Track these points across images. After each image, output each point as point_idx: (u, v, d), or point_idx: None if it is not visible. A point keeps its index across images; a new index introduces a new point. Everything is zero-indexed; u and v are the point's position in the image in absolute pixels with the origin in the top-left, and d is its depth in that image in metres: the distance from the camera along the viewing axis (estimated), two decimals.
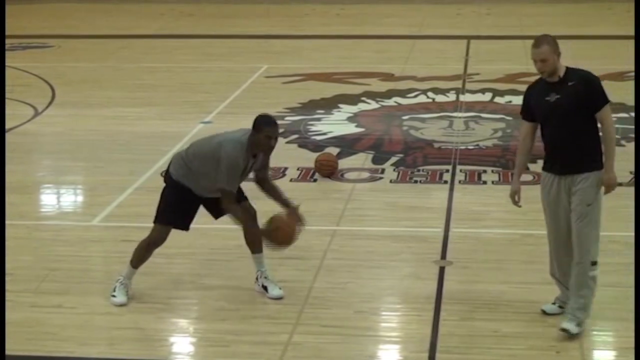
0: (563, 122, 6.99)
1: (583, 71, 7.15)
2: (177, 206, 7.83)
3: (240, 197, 7.82)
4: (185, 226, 7.93)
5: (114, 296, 7.86)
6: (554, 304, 7.44)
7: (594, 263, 7.07)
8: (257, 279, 8.00)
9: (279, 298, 7.86)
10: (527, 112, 7.28)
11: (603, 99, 7.04)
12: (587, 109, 6.98)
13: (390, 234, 9.39)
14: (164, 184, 7.97)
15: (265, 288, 7.93)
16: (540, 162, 11.46)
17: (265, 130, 7.50)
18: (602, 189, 7.07)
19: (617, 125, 13.07)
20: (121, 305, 7.79)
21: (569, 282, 7.16)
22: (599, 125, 7.05)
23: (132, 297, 7.91)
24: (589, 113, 6.99)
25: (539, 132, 7.27)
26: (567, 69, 7.08)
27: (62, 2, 27.68)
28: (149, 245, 7.92)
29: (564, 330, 7.04)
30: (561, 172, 7.07)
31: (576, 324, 7.07)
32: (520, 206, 7.38)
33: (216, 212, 7.94)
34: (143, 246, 7.94)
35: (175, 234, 8.84)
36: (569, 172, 7.04)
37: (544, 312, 7.40)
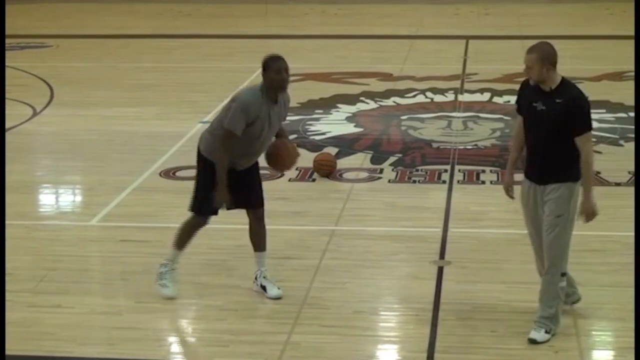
0: (543, 133, 6.90)
1: (576, 91, 6.94)
2: (211, 193, 7.65)
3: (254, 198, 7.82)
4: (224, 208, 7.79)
5: (164, 285, 7.81)
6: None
7: (563, 274, 7.04)
8: (256, 278, 7.99)
9: (278, 298, 7.85)
10: (520, 107, 7.19)
11: (585, 126, 6.87)
12: (567, 130, 6.85)
13: (389, 234, 9.39)
14: (197, 166, 7.84)
15: (264, 288, 7.92)
16: None
17: (273, 66, 7.47)
18: (574, 200, 6.98)
19: (615, 125, 13.20)
20: (170, 298, 7.76)
21: (539, 290, 7.13)
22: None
23: (130, 296, 7.93)
24: (569, 133, 6.87)
25: None
26: (562, 82, 6.87)
27: (60, 2, 27.68)
28: (193, 227, 7.88)
29: (530, 340, 6.98)
30: (537, 181, 7.03)
31: (545, 331, 7.03)
32: (513, 198, 7.35)
33: (249, 196, 7.80)
34: (187, 229, 7.89)
35: (173, 234, 8.83)
36: (542, 182, 6.99)
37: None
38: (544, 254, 7.05)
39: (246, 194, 7.78)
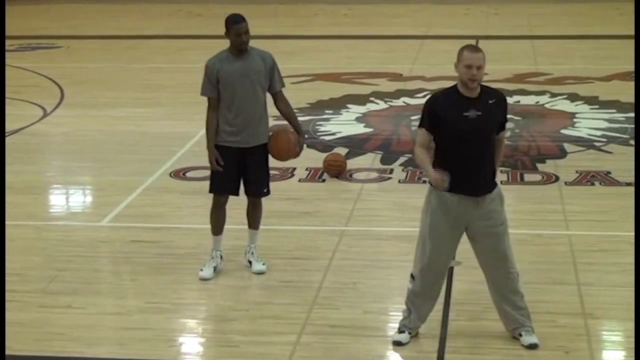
0: (481, 141, 6.69)
1: (496, 90, 6.95)
2: (219, 173, 8.12)
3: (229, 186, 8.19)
4: (231, 190, 8.22)
5: (201, 270, 8.27)
6: (402, 332, 7.12)
7: (517, 274, 7.02)
8: (245, 253, 8.39)
9: (261, 273, 8.23)
10: (434, 125, 6.70)
11: (506, 118, 6.95)
12: (497, 129, 6.83)
13: (399, 234, 9.38)
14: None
15: (250, 263, 8.32)
16: (549, 162, 11.60)
17: (233, 29, 8.02)
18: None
19: (626, 125, 13.17)
20: (203, 279, 8.19)
21: (499, 302, 7.05)
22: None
23: (140, 297, 7.95)
24: (496, 133, 6.85)
25: None
26: (481, 85, 6.75)
27: (70, 2, 27.74)
28: (212, 208, 8.33)
29: (532, 346, 6.93)
30: (471, 192, 6.74)
31: (533, 332, 7.02)
32: (447, 183, 6.77)
33: (248, 185, 8.22)
34: (210, 214, 8.35)
35: (183, 235, 8.85)
36: (479, 192, 6.75)
37: (400, 344, 7.08)
38: (500, 264, 6.93)
39: (247, 182, 8.21)
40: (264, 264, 8.32)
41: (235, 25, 8.00)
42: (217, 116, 8.07)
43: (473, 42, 6.85)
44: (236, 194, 8.28)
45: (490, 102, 6.74)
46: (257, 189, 8.26)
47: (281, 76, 8.24)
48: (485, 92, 6.77)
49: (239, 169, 8.13)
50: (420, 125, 6.81)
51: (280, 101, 8.21)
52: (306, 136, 12.80)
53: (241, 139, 8.05)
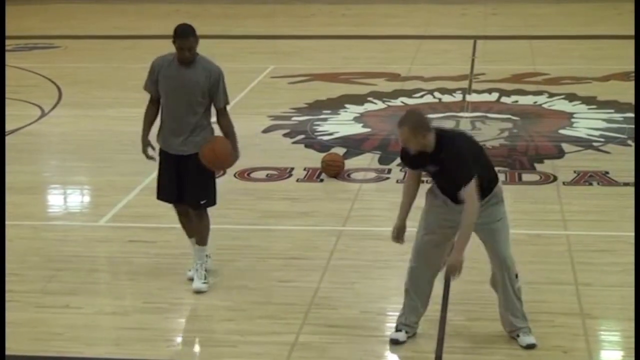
0: (447, 185, 6.86)
1: (455, 144, 6.83)
2: (161, 180, 8.11)
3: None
4: (170, 197, 8.09)
5: (189, 270, 8.19)
6: (400, 330, 7.15)
7: (516, 276, 7.00)
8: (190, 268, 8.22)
9: (199, 292, 7.95)
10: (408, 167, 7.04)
11: (466, 178, 6.64)
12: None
13: None
14: None
15: (191, 279, 8.11)
16: (547, 162, 11.61)
17: (177, 41, 7.75)
18: (504, 204, 6.92)
19: (624, 125, 13.17)
20: (192, 279, 8.06)
21: (500, 302, 7.06)
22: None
23: (138, 297, 7.95)
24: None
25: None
26: (438, 141, 6.80)
27: (68, 2, 27.72)
28: (179, 220, 8.25)
29: (530, 346, 6.94)
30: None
31: (530, 333, 7.02)
32: (402, 242, 7.15)
33: (184, 194, 7.99)
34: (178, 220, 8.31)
35: (180, 235, 8.82)
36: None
37: (397, 342, 7.09)
38: (496, 264, 6.95)
39: (184, 191, 7.99)
40: (204, 283, 8.02)
41: (179, 39, 7.71)
42: (156, 110, 8.04)
43: None
44: (177, 201, 8.07)
45: (442, 156, 6.78)
46: (192, 198, 7.97)
47: (226, 93, 7.95)
48: (439, 148, 6.82)
49: (178, 175, 7.96)
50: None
51: (221, 117, 7.98)
52: (304, 136, 12.93)
53: (174, 146, 7.93)
